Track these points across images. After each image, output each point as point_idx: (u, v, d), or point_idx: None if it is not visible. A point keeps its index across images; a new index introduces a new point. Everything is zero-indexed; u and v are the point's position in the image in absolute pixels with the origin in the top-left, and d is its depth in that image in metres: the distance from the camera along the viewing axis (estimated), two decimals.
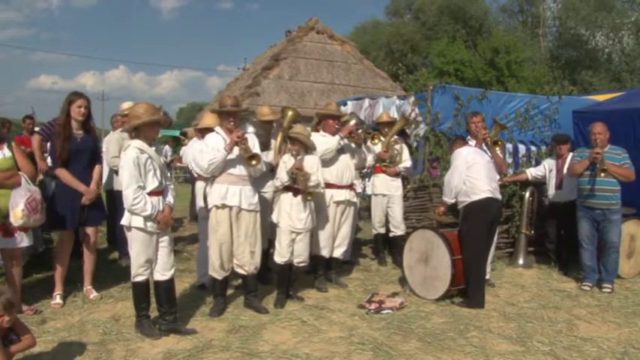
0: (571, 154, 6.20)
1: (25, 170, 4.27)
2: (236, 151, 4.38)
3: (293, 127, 5.00)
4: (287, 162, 4.80)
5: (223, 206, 4.41)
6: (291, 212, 4.78)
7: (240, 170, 4.44)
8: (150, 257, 3.95)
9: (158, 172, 3.92)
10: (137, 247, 3.89)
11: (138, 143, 3.82)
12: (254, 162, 4.32)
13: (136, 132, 3.87)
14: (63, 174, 4.61)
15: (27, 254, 5.11)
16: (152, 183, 3.87)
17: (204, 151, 4.40)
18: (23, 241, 4.20)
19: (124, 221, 3.91)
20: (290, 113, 5.38)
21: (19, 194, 4.06)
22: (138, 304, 4.04)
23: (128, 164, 3.74)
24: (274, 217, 4.91)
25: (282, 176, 4.74)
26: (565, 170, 6.27)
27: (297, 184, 4.72)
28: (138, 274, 3.95)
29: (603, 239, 5.59)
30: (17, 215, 4.02)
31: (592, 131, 5.55)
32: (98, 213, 4.89)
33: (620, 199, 5.51)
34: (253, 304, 4.63)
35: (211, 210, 4.47)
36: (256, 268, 4.61)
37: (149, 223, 3.85)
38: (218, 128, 4.55)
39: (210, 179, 4.57)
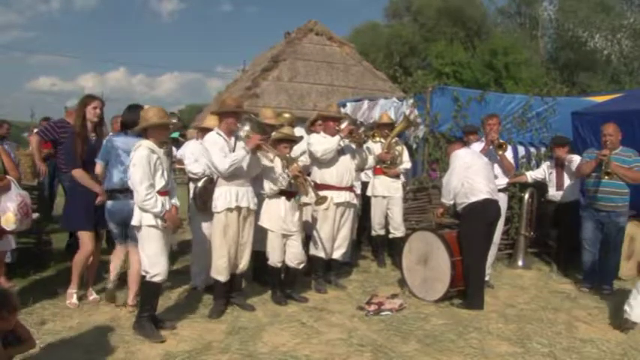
0: (570, 155, 6.21)
1: (12, 174, 4.26)
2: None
3: (277, 130, 5.04)
4: (277, 165, 4.80)
5: (237, 208, 4.46)
6: (285, 217, 4.80)
7: (246, 173, 4.50)
8: (165, 255, 4.00)
9: (165, 173, 4.01)
10: (152, 245, 3.94)
11: (148, 143, 3.94)
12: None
13: (145, 134, 4.00)
14: (80, 174, 4.57)
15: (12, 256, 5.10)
16: (160, 182, 3.96)
17: (214, 152, 4.37)
18: (11, 243, 4.24)
19: (134, 221, 3.97)
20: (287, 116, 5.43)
21: (10, 199, 4.06)
22: (145, 304, 4.04)
23: (140, 162, 3.83)
24: (264, 223, 4.84)
25: (283, 180, 4.73)
26: (564, 173, 6.27)
27: (293, 188, 4.77)
28: (156, 273, 3.95)
29: (606, 240, 5.53)
30: (10, 220, 4.03)
31: (603, 132, 5.40)
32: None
33: (627, 201, 5.41)
34: (238, 302, 4.70)
35: (221, 213, 4.46)
36: (246, 266, 4.75)
37: (159, 221, 3.93)
38: (217, 129, 4.58)
39: (204, 180, 4.82)
